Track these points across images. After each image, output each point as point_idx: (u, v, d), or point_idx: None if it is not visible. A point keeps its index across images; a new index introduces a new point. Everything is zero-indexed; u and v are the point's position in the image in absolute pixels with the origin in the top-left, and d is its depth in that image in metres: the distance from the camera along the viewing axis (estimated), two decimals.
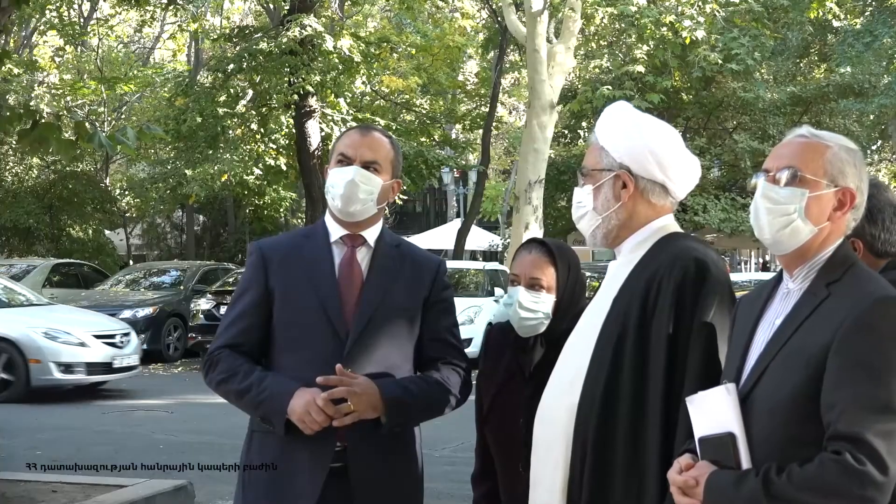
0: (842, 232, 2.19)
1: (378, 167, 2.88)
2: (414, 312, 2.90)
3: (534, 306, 2.89)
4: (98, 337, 12.47)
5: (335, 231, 2.93)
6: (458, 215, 36.87)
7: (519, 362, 2.96)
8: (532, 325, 2.91)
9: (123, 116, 31.70)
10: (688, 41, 18.65)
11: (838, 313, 2.05)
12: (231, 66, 21.11)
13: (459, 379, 2.93)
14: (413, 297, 2.90)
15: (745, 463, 2.08)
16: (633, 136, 2.56)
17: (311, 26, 19.78)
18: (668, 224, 2.60)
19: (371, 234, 2.94)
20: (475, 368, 2.97)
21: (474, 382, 3.04)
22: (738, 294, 2.47)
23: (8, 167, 29.48)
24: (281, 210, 30.75)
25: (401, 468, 2.88)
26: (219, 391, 2.89)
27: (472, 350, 12.09)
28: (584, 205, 2.61)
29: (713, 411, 2.14)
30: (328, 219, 2.96)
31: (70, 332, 12.27)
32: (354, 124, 18.60)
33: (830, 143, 2.19)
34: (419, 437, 2.98)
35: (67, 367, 12.06)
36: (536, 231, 17.66)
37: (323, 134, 21.29)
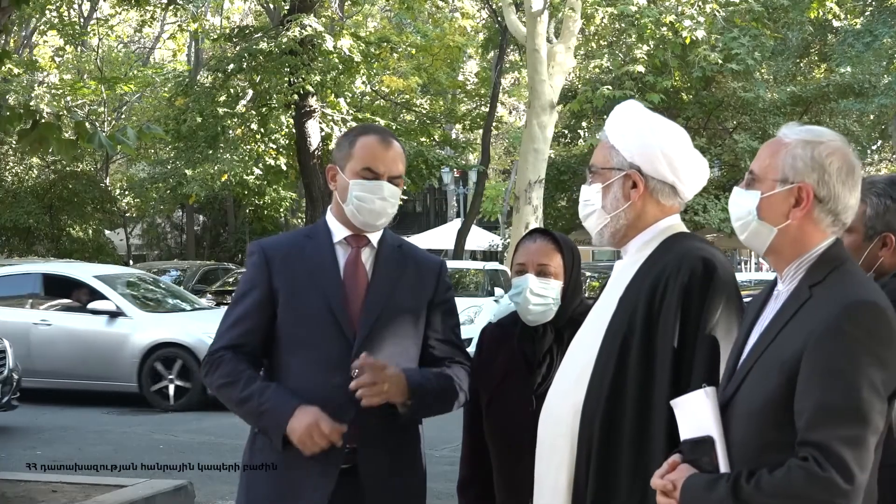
0: (819, 229, 2.13)
1: (400, 179, 2.90)
2: (419, 313, 2.90)
3: (544, 292, 2.89)
4: None
5: (339, 231, 2.91)
6: (458, 215, 36.86)
7: (524, 353, 2.95)
8: (542, 312, 2.90)
9: (123, 116, 31.72)
10: (688, 41, 18.65)
11: (814, 317, 2.03)
12: (231, 66, 21.12)
13: (467, 376, 2.94)
14: (417, 298, 2.90)
15: (724, 466, 2.07)
16: (645, 136, 2.54)
17: (311, 26, 19.79)
18: (675, 224, 2.59)
19: (374, 235, 2.93)
20: None
21: None
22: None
23: (8, 167, 29.49)
24: (281, 210, 30.78)
25: (408, 468, 2.89)
26: (219, 395, 2.87)
27: (472, 350, 12.09)
28: (592, 203, 2.59)
29: (695, 414, 2.14)
30: (330, 219, 2.94)
31: None
32: (354, 124, 18.62)
33: (787, 140, 2.16)
34: (423, 438, 2.98)
35: None
36: None
37: (323, 134, 21.31)
